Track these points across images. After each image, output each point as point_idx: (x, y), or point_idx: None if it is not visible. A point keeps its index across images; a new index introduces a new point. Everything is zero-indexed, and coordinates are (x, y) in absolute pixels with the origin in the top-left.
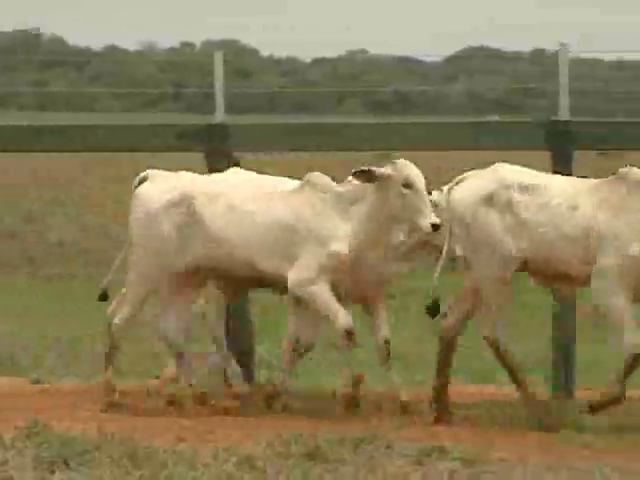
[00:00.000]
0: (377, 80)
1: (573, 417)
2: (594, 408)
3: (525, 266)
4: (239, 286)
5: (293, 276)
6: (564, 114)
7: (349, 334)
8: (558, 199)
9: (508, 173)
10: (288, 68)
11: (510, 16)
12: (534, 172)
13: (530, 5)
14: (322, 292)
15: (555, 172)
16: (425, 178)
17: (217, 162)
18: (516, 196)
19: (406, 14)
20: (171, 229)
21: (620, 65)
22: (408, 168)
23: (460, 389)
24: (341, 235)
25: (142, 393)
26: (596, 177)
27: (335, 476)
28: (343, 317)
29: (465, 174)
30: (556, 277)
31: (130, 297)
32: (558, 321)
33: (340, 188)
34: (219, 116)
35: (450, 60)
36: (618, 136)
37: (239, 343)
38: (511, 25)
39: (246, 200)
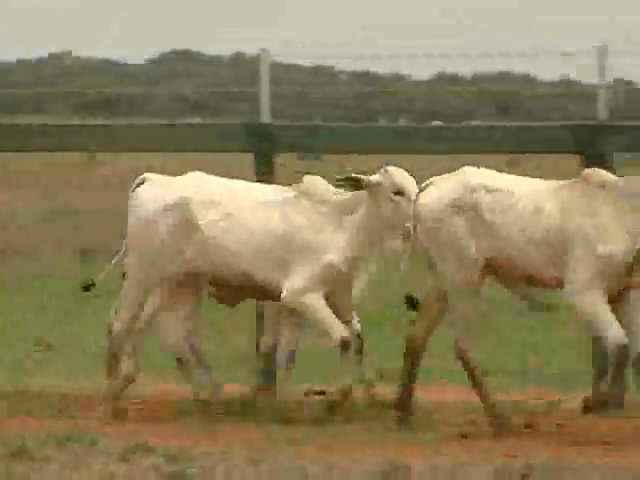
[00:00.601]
0: (83, 82)
1: (277, 412)
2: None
3: (489, 269)
4: (236, 295)
5: (287, 287)
6: (265, 117)
7: (345, 344)
8: (524, 201)
9: (474, 176)
10: None
11: (213, 20)
12: (499, 174)
13: (233, 9)
14: (315, 304)
15: (257, 174)
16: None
17: None
18: (482, 199)
19: (109, 16)
20: (166, 233)
21: (316, 70)
22: (398, 175)
23: (167, 387)
24: (335, 246)
25: None
26: (297, 179)
27: (40, 475)
28: (337, 329)
29: (432, 179)
30: (521, 279)
31: (127, 302)
32: (261, 320)
33: (336, 198)
34: None
35: (153, 63)
36: (316, 139)
37: None
38: (215, 29)
39: (243, 208)
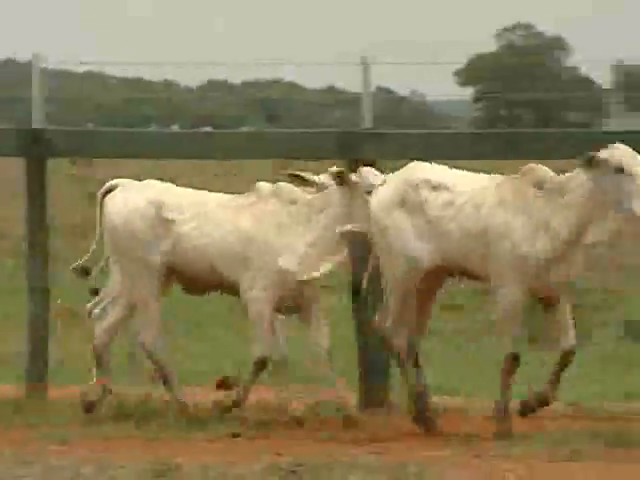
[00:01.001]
0: None
1: (46, 413)
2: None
3: (439, 267)
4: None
5: (244, 288)
6: (37, 122)
7: (262, 364)
8: (465, 197)
9: (419, 172)
10: None
11: None
12: (447, 170)
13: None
14: (261, 312)
15: (29, 179)
16: None
17: None
18: (426, 196)
19: None
20: (142, 236)
21: (87, 76)
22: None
23: None
24: (296, 251)
25: None
26: (70, 183)
27: None
28: (266, 347)
29: (385, 176)
30: (462, 274)
31: (147, 312)
32: (32, 320)
33: (309, 196)
34: None
35: None
36: (89, 144)
37: None
38: None
39: (215, 210)
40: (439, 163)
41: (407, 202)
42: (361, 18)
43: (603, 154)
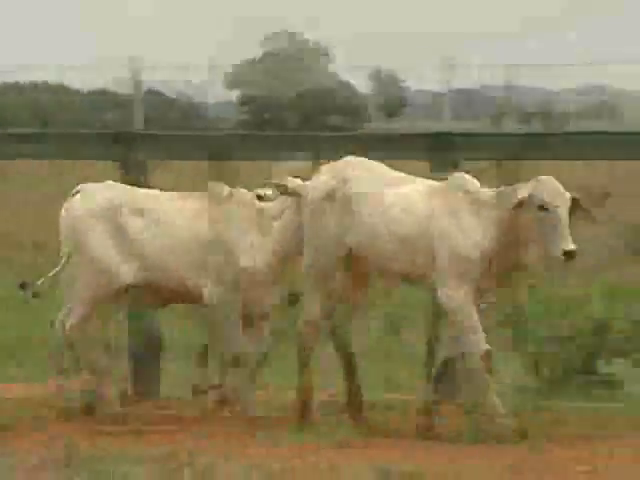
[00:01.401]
0: None
1: None
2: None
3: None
4: (162, 301)
5: (208, 290)
6: None
7: (236, 360)
8: (395, 197)
9: (352, 167)
10: None
11: None
12: (383, 167)
13: None
14: (229, 311)
15: None
16: None
17: None
18: (352, 191)
19: None
20: (99, 240)
21: None
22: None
23: None
24: (257, 251)
25: None
26: None
27: None
28: (238, 341)
29: (323, 167)
30: (384, 274)
31: (81, 304)
32: None
33: (262, 204)
34: None
35: None
36: None
37: None
38: None
39: (172, 213)
40: (212, 163)
41: (334, 196)
42: (126, 19)
43: (527, 189)
